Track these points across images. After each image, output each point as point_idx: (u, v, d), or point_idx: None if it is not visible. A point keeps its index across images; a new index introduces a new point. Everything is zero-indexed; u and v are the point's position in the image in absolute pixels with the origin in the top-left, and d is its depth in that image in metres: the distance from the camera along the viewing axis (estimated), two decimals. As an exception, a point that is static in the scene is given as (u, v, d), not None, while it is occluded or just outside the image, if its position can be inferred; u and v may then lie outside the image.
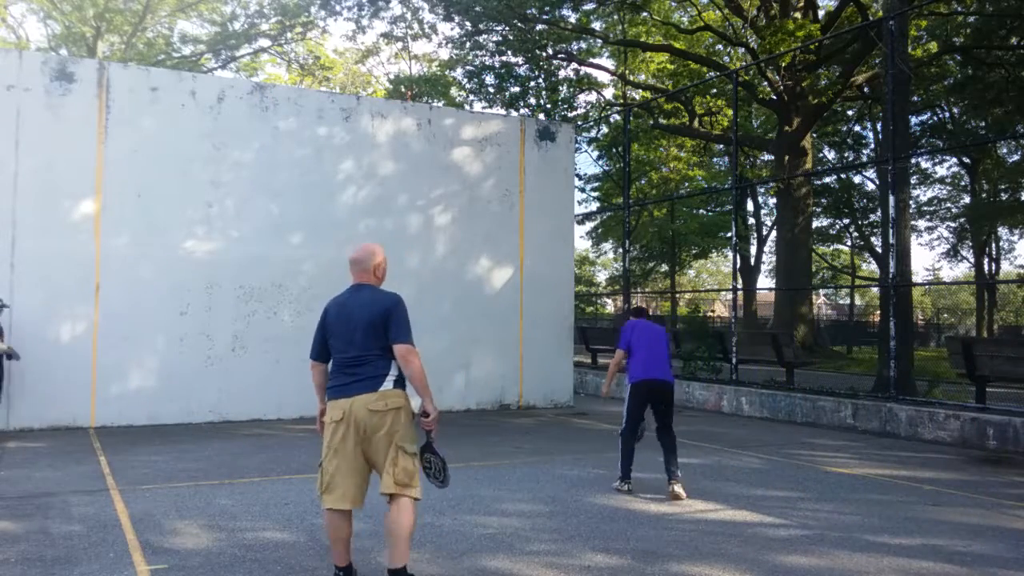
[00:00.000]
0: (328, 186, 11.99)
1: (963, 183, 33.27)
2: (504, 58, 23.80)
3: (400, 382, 4.11)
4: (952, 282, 48.45)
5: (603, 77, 29.05)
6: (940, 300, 54.51)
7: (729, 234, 28.07)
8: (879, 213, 26.31)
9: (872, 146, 29.88)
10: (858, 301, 46.08)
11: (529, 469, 7.89)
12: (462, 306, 12.69)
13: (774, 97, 20.97)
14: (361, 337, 4.06)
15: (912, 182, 27.86)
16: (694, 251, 36.77)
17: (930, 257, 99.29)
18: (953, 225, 35.92)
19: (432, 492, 6.67)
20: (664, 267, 38.56)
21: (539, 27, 22.57)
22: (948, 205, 35.49)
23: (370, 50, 35.62)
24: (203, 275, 11.02)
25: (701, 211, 34.24)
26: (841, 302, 46.97)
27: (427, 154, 12.78)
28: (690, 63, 25.13)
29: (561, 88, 24.85)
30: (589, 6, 23.12)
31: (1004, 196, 30.77)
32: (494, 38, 23.32)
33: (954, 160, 30.93)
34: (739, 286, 18.06)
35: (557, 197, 13.99)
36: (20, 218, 10.09)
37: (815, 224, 30.35)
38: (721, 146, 29.60)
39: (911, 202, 21.02)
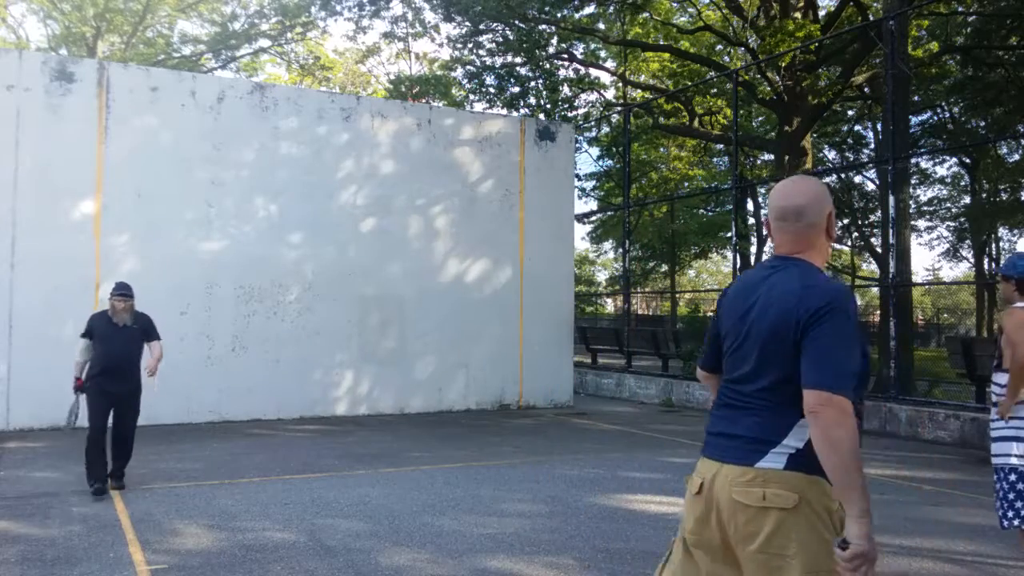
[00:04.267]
0: (328, 186, 11.99)
1: (963, 183, 33.27)
2: (504, 59, 23.79)
3: (815, 459, 2.06)
4: (952, 282, 48.45)
5: (604, 77, 29.06)
6: (940, 300, 54.50)
7: (729, 234, 28.09)
8: (879, 213, 26.31)
9: (872, 146, 29.87)
10: (858, 301, 46.06)
11: (529, 469, 7.89)
12: (462, 306, 12.69)
13: (774, 97, 20.97)
14: (757, 356, 2.21)
15: (912, 182, 27.86)
16: (694, 251, 36.77)
17: (930, 257, 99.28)
18: (953, 225, 35.90)
19: (432, 492, 6.68)
20: (664, 267, 38.56)
21: (540, 27, 22.56)
22: (948, 205, 35.46)
23: (371, 50, 35.61)
24: (203, 275, 11.02)
25: (701, 211, 34.23)
26: (841, 302, 46.86)
27: (427, 154, 12.78)
28: (690, 63, 25.12)
29: (561, 88, 24.84)
30: (590, 7, 23.11)
31: (1004, 196, 30.75)
32: (495, 38, 23.32)
33: (954, 160, 30.91)
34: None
35: (557, 197, 13.99)
36: (20, 218, 10.09)
37: (815, 224, 30.26)
38: (721, 146, 29.60)
39: (911, 202, 21.02)
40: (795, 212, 2.23)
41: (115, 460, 6.62)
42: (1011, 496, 3.93)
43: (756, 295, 2.24)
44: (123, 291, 6.60)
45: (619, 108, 26.06)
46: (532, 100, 24.99)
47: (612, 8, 23.94)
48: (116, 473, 6.62)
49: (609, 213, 34.00)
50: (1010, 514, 3.94)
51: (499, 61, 24.03)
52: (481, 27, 22.56)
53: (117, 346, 6.56)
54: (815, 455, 2.04)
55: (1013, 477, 3.94)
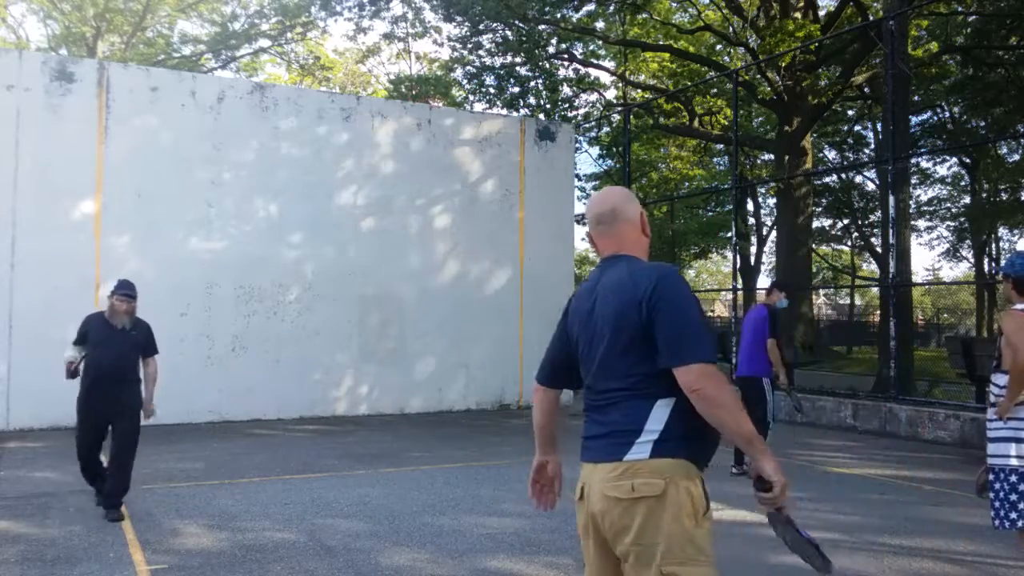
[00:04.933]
0: (328, 186, 11.99)
1: (963, 183, 33.25)
2: (504, 59, 23.79)
3: (681, 442, 2.18)
4: (952, 282, 48.44)
5: (604, 77, 29.07)
6: (940, 300, 54.48)
7: (729, 234, 28.09)
8: (879, 213, 26.31)
9: (872, 146, 29.86)
10: (858, 301, 46.07)
11: (529, 469, 7.87)
12: (462, 306, 12.69)
13: (774, 97, 20.96)
14: (605, 351, 2.26)
15: (912, 182, 27.86)
16: (694, 251, 36.76)
17: (930, 257, 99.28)
18: (953, 225, 35.89)
19: (432, 492, 6.68)
20: (664, 267, 38.48)
21: (539, 27, 22.56)
22: (948, 205, 35.44)
23: (371, 50, 35.60)
24: (203, 275, 11.02)
25: (701, 211, 34.23)
26: (841, 302, 46.98)
27: (427, 154, 12.78)
28: (690, 63, 25.12)
29: (561, 88, 24.84)
30: (590, 7, 23.11)
31: (1004, 196, 30.73)
32: (495, 38, 23.31)
33: (954, 160, 30.89)
34: (739, 286, 18.06)
35: (557, 197, 13.99)
36: (20, 218, 10.09)
37: (815, 224, 30.34)
38: (721, 146, 29.59)
39: (911, 202, 21.02)
40: (610, 213, 2.39)
41: (111, 488, 5.77)
42: (1013, 497, 3.93)
43: (594, 296, 2.34)
44: (127, 291, 5.86)
45: (619, 108, 26.06)
46: (532, 100, 24.99)
47: (612, 8, 23.93)
48: (111, 502, 5.75)
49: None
50: (1012, 515, 3.94)
51: (499, 61, 24.03)
52: (481, 27, 22.55)
53: (113, 352, 5.81)
54: (678, 437, 2.16)
55: (1014, 478, 3.94)
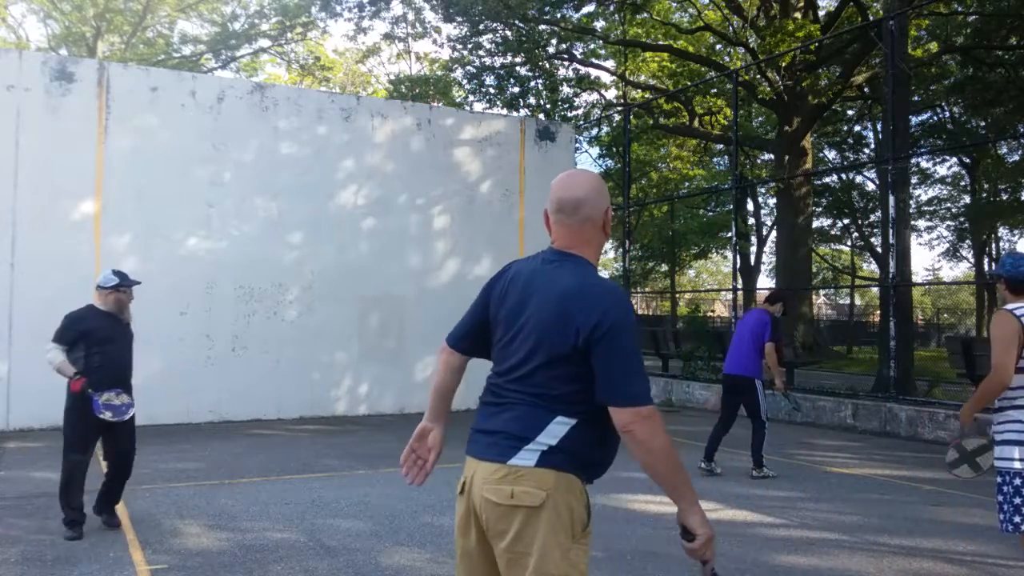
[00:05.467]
0: (328, 186, 11.99)
1: (963, 183, 33.25)
2: (504, 59, 23.79)
3: (570, 458, 2.11)
4: (952, 282, 48.46)
5: (604, 77, 29.06)
6: (940, 300, 54.49)
7: (729, 234, 28.09)
8: (879, 213, 26.31)
9: (872, 146, 29.86)
10: (858, 301, 46.08)
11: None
12: (462, 306, 12.55)
13: (774, 97, 20.96)
14: (528, 352, 2.17)
15: (912, 182, 27.85)
16: (694, 251, 36.74)
17: (930, 257, 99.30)
18: (953, 225, 35.90)
19: (432, 492, 6.67)
20: (664, 267, 38.55)
21: (539, 27, 22.56)
22: (948, 205, 35.46)
23: (371, 50, 35.62)
24: (203, 275, 11.02)
25: (701, 211, 34.22)
26: (841, 302, 46.98)
27: (427, 154, 12.78)
28: (690, 63, 25.12)
29: (561, 88, 24.84)
30: (590, 7, 23.11)
31: (1004, 196, 30.74)
32: (495, 38, 23.32)
33: (954, 160, 30.90)
34: (739, 286, 18.06)
35: (557, 197, 13.98)
36: (20, 218, 10.09)
37: (815, 224, 30.34)
38: (721, 146, 29.59)
39: (911, 202, 21.02)
40: (573, 205, 2.21)
41: (112, 491, 5.54)
42: (1016, 500, 3.91)
43: (533, 290, 2.20)
44: (132, 282, 5.52)
45: (619, 108, 26.05)
46: (532, 100, 24.99)
47: (612, 8, 23.94)
48: (110, 507, 5.55)
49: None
50: (1016, 519, 3.92)
51: (499, 61, 24.03)
52: (481, 27, 22.56)
53: (122, 349, 5.45)
54: (569, 453, 2.09)
55: (1018, 481, 3.93)
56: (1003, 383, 3.89)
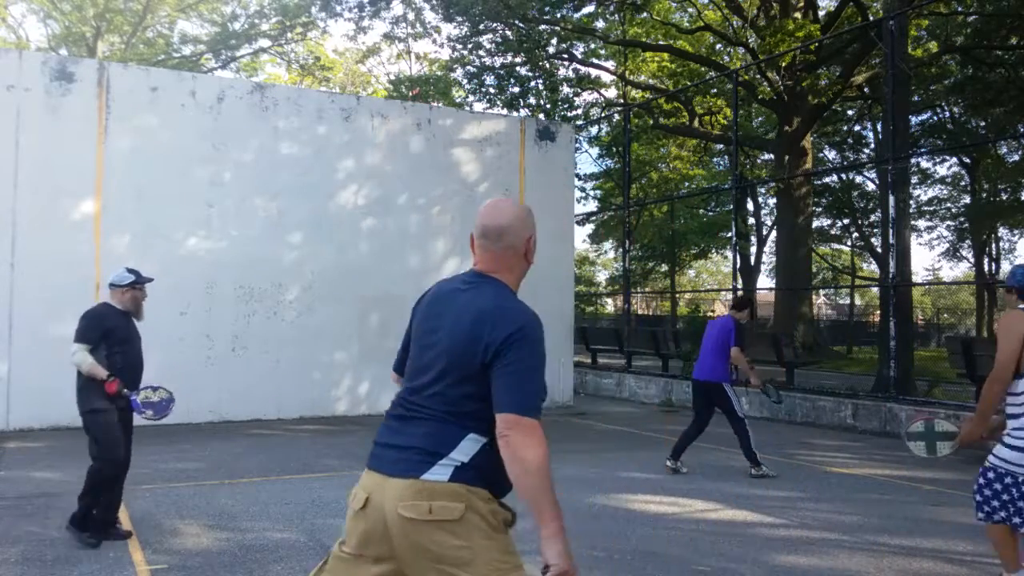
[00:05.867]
0: (328, 186, 11.99)
1: (963, 183, 33.26)
2: (504, 59, 23.80)
3: (481, 474, 2.14)
4: (952, 282, 48.47)
5: (604, 77, 29.06)
6: (940, 300, 54.49)
7: (729, 234, 28.08)
8: (879, 213, 26.30)
9: (872, 146, 29.87)
10: (858, 301, 46.07)
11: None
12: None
13: (774, 97, 20.96)
14: (441, 368, 2.19)
15: (912, 182, 27.85)
16: (694, 251, 36.75)
17: (930, 257, 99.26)
18: (953, 225, 35.90)
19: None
20: (664, 267, 38.55)
21: (539, 27, 22.56)
22: (948, 205, 35.46)
23: (371, 50, 35.62)
24: (203, 275, 11.02)
25: (701, 211, 34.23)
26: (841, 302, 46.97)
27: (427, 154, 12.78)
28: (690, 63, 25.12)
29: (561, 88, 24.84)
30: (590, 7, 23.12)
31: (1004, 196, 30.75)
32: (495, 38, 23.32)
33: (954, 160, 30.91)
34: (739, 286, 18.06)
35: (557, 197, 13.99)
36: (20, 218, 10.09)
37: (815, 224, 30.35)
38: (721, 146, 29.60)
39: (911, 202, 21.02)
40: (496, 232, 2.29)
41: (118, 504, 5.33)
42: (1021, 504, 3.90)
43: (449, 308, 2.24)
44: (144, 278, 5.41)
45: (619, 108, 26.05)
46: (532, 100, 24.99)
47: (612, 8, 23.94)
48: (115, 515, 5.29)
49: (609, 213, 34.00)
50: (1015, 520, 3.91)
51: (499, 61, 24.03)
52: (481, 27, 22.56)
53: (139, 350, 5.28)
54: (479, 468, 2.11)
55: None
56: (1001, 380, 3.90)
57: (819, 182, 29.44)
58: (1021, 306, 4.00)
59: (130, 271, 5.42)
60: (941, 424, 4.38)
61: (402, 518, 2.07)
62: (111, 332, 5.14)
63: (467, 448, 2.12)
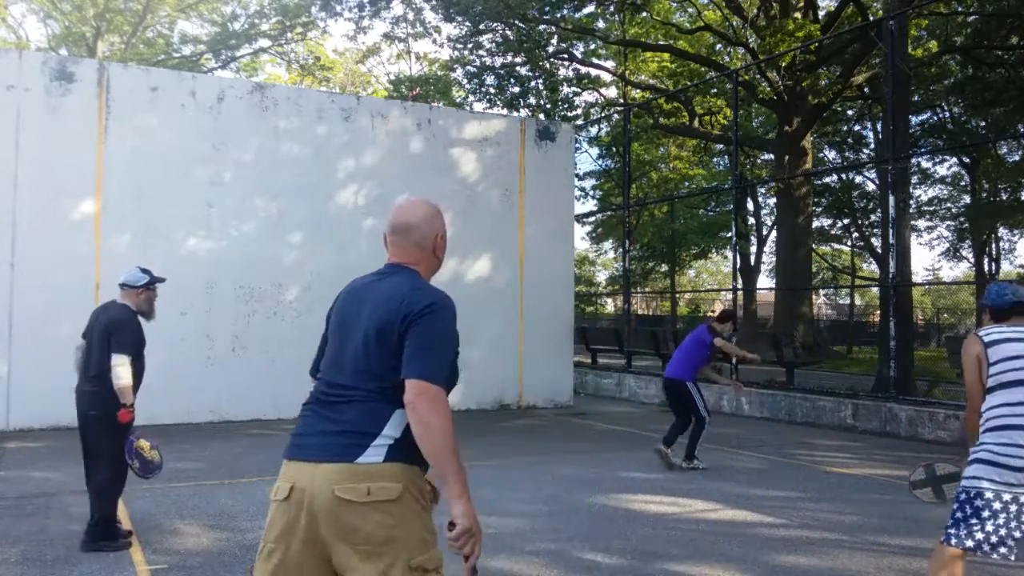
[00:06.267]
0: (328, 186, 11.99)
1: (963, 183, 33.25)
2: (504, 59, 23.80)
3: (411, 448, 2.18)
4: (952, 282, 48.47)
5: (604, 77, 29.07)
6: (940, 300, 54.48)
7: (729, 234, 28.09)
8: (879, 213, 26.30)
9: (872, 146, 29.87)
10: (858, 301, 46.07)
11: (529, 469, 7.89)
12: (462, 306, 12.49)
13: (774, 97, 20.97)
14: (363, 352, 2.24)
15: (912, 182, 27.85)
16: (694, 251, 36.75)
17: (930, 257, 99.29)
18: (953, 225, 35.89)
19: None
20: (664, 267, 38.55)
21: (539, 27, 22.57)
22: (948, 205, 35.45)
23: (371, 50, 35.65)
24: (203, 275, 11.02)
25: (701, 211, 34.23)
26: (841, 302, 46.97)
27: (427, 154, 12.78)
28: (690, 63, 25.13)
29: (561, 88, 24.85)
30: (590, 7, 23.12)
31: (1004, 196, 30.75)
32: (495, 38, 23.32)
33: (954, 160, 30.91)
34: (739, 286, 18.06)
35: (557, 197, 13.99)
36: (20, 218, 10.09)
37: (815, 224, 30.35)
38: (721, 146, 29.60)
39: (911, 202, 21.03)
40: (404, 228, 2.41)
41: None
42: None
43: (368, 296, 2.33)
44: (157, 278, 5.27)
45: (619, 108, 26.05)
46: (532, 100, 25.00)
47: (612, 8, 23.94)
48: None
49: (609, 213, 34.01)
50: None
51: (499, 61, 24.04)
52: (481, 27, 22.56)
53: (144, 356, 5.10)
54: (412, 444, 2.16)
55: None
56: (975, 408, 3.85)
57: (819, 182, 29.44)
58: (979, 330, 3.92)
59: (143, 271, 5.26)
60: (941, 467, 4.41)
61: (338, 500, 2.10)
62: (141, 340, 4.98)
63: (397, 421, 2.17)
